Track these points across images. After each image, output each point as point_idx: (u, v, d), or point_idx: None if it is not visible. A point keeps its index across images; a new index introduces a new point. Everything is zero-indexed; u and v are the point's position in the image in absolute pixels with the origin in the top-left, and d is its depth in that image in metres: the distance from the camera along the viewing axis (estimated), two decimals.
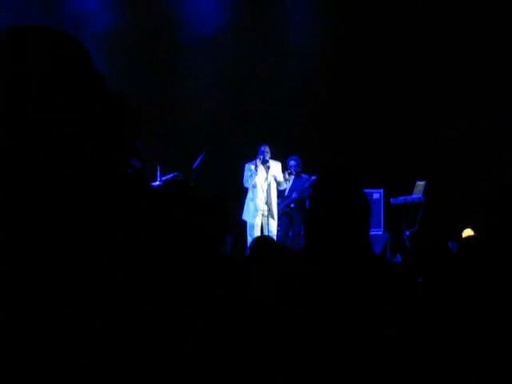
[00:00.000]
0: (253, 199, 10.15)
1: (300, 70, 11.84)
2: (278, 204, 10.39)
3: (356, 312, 2.37)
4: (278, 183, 10.28)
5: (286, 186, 10.51)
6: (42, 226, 1.29)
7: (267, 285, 2.53)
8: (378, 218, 11.37)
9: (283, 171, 10.37)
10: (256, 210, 10.09)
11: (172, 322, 1.40)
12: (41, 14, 11.08)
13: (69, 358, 1.28)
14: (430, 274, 3.51)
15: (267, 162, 10.09)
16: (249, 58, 11.88)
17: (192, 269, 2.22)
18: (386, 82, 11.83)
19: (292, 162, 10.52)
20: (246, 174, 10.15)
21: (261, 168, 10.07)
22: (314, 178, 10.14)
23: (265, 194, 10.09)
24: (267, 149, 10.15)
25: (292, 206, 10.58)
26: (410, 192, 11.34)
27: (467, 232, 8.61)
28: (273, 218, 10.17)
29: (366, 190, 11.21)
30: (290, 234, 10.66)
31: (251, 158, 10.22)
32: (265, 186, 10.10)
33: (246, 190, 10.29)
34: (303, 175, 10.52)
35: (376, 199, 11.45)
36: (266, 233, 9.96)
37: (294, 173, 10.43)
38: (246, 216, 10.23)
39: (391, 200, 11.45)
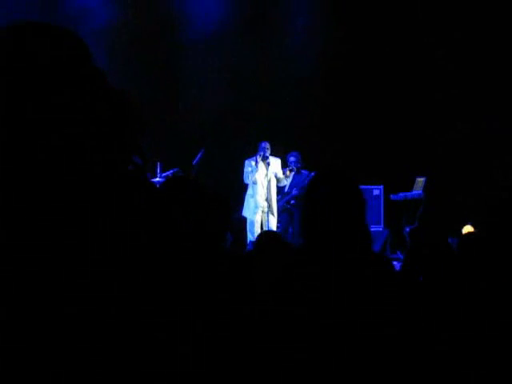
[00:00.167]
0: (253, 196, 10.15)
1: (301, 69, 11.83)
2: (278, 200, 10.39)
3: (356, 312, 2.37)
4: (278, 180, 10.28)
5: (287, 182, 10.51)
6: (42, 225, 1.29)
7: (268, 284, 2.53)
8: (378, 214, 11.38)
9: (283, 168, 10.36)
10: (256, 207, 10.09)
11: (172, 322, 1.39)
12: (41, 10, 11.07)
13: (69, 357, 1.28)
14: (430, 271, 3.51)
15: (267, 158, 10.09)
16: (250, 57, 11.87)
17: (192, 268, 2.22)
18: (387, 80, 11.83)
19: (292, 158, 10.51)
20: (247, 170, 10.15)
21: (261, 164, 10.07)
22: (313, 174, 10.12)
23: (265, 190, 10.09)
24: (267, 145, 10.15)
25: (292, 202, 10.57)
26: (410, 188, 11.34)
27: (467, 228, 8.61)
28: (273, 214, 10.17)
29: (366, 187, 11.22)
30: (290, 230, 10.66)
31: (251, 154, 10.21)
32: (265, 182, 10.10)
33: (245, 187, 10.29)
34: (303, 171, 10.52)
35: (376, 195, 11.45)
36: (265, 229, 9.96)
37: (295, 170, 10.42)
38: (245, 212, 10.23)
39: (391, 196, 11.45)
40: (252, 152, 10.22)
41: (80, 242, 1.31)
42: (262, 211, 10.13)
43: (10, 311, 1.27)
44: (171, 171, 9.79)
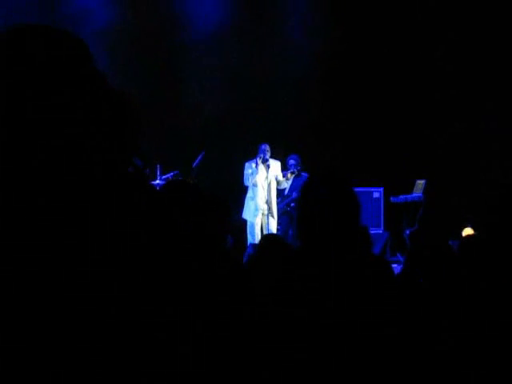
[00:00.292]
0: (253, 198, 10.14)
1: (301, 70, 11.83)
2: (278, 203, 10.39)
3: (355, 313, 2.37)
4: (278, 182, 10.28)
5: (287, 185, 10.50)
6: (42, 226, 1.29)
7: (268, 285, 2.53)
8: (378, 216, 11.37)
9: (283, 170, 10.36)
10: (256, 209, 10.08)
11: (172, 322, 1.40)
12: (41, 11, 11.07)
13: (69, 357, 1.28)
14: (430, 273, 3.51)
15: (267, 160, 10.08)
16: (249, 58, 11.88)
17: (192, 269, 2.22)
18: (387, 82, 11.83)
19: (291, 161, 10.51)
20: (247, 172, 10.13)
21: (261, 167, 10.06)
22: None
23: (265, 192, 10.08)
24: (267, 147, 10.14)
25: (292, 205, 10.57)
26: (410, 191, 11.34)
27: (467, 231, 8.62)
28: (273, 217, 10.16)
29: (366, 189, 11.23)
30: (290, 232, 10.65)
31: (251, 157, 10.21)
32: (265, 184, 10.09)
33: (245, 189, 10.29)
34: (303, 174, 10.51)
35: (376, 198, 11.45)
36: (265, 232, 9.96)
37: (296, 173, 10.41)
38: (246, 215, 10.22)
39: (391, 199, 11.45)
40: (252, 154, 10.22)
41: (80, 242, 1.31)
42: (262, 214, 10.12)
43: (10, 311, 1.27)
44: (171, 174, 9.79)
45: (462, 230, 8.81)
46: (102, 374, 1.30)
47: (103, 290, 1.31)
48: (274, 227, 10.15)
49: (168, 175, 9.74)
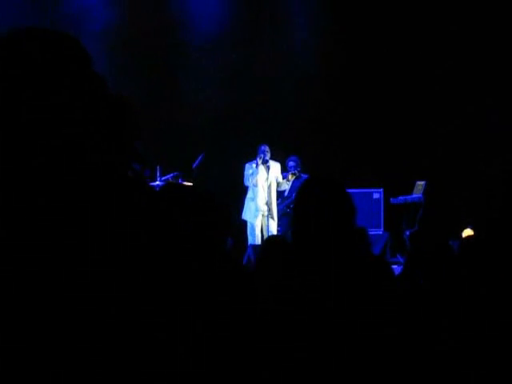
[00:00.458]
0: (253, 199, 10.12)
1: (300, 71, 11.84)
2: (278, 204, 10.38)
3: (356, 312, 2.37)
4: (278, 184, 10.27)
5: (287, 187, 10.48)
6: (42, 226, 1.29)
7: (268, 284, 2.53)
8: (378, 217, 11.37)
9: (282, 172, 10.35)
10: (257, 210, 10.07)
11: (172, 322, 1.40)
12: (41, 11, 11.07)
13: (69, 357, 1.28)
14: (430, 274, 3.51)
15: (267, 162, 10.07)
16: (249, 60, 11.88)
17: (192, 269, 2.22)
18: (386, 83, 11.83)
19: (291, 163, 10.50)
20: (247, 172, 10.12)
21: (261, 167, 10.05)
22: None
23: (265, 193, 10.07)
24: (267, 148, 10.14)
25: (292, 206, 10.55)
26: (410, 192, 11.34)
27: (467, 232, 8.61)
28: (273, 218, 10.15)
29: (366, 190, 11.23)
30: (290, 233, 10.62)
31: (251, 158, 10.20)
32: (265, 185, 10.09)
33: (245, 190, 10.28)
34: (303, 175, 10.51)
35: (376, 199, 11.44)
36: (265, 233, 9.96)
37: (297, 174, 10.38)
38: (246, 216, 10.21)
39: (391, 200, 11.44)
40: (252, 155, 10.22)
41: (80, 242, 1.31)
42: (262, 215, 10.12)
43: (10, 311, 1.27)
44: (171, 175, 9.79)
45: (462, 230, 8.80)
46: (102, 374, 1.30)
47: (103, 290, 1.31)
48: (274, 229, 10.15)
49: (168, 176, 9.74)
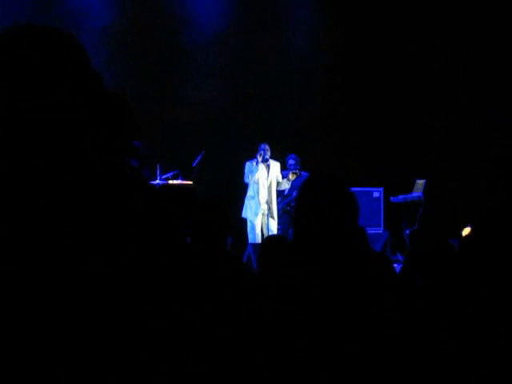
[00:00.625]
0: (253, 197, 10.11)
1: (300, 70, 11.83)
2: (278, 203, 10.37)
3: (356, 311, 2.37)
4: (278, 184, 10.26)
5: (288, 186, 10.46)
6: (42, 226, 1.29)
7: (268, 283, 2.53)
8: (378, 216, 11.37)
9: (282, 171, 10.34)
10: (257, 208, 10.06)
11: (172, 322, 1.40)
12: (41, 10, 11.07)
13: (69, 357, 1.28)
14: (430, 273, 3.51)
15: (267, 160, 10.06)
16: (249, 58, 11.88)
17: (192, 268, 2.22)
18: (386, 81, 11.83)
19: (291, 161, 10.50)
20: (247, 169, 10.10)
21: (261, 166, 10.05)
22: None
23: (266, 191, 10.06)
24: (267, 147, 10.13)
25: (292, 204, 10.56)
26: (410, 190, 11.34)
27: (467, 231, 8.61)
28: (273, 218, 10.14)
29: (366, 189, 11.23)
30: (291, 232, 10.64)
31: (251, 156, 10.20)
32: (266, 183, 10.08)
33: (245, 189, 10.27)
34: (303, 173, 10.51)
35: (376, 198, 11.44)
36: (265, 232, 9.96)
37: (298, 173, 10.37)
38: (246, 214, 10.21)
39: (391, 198, 11.45)
40: (251, 154, 10.21)
41: (80, 241, 1.31)
42: (262, 214, 10.11)
43: (11, 311, 1.27)
44: (171, 173, 9.79)
45: (461, 229, 8.80)
46: (102, 374, 1.30)
47: (103, 290, 1.31)
48: (274, 228, 10.14)
49: (168, 175, 9.74)
